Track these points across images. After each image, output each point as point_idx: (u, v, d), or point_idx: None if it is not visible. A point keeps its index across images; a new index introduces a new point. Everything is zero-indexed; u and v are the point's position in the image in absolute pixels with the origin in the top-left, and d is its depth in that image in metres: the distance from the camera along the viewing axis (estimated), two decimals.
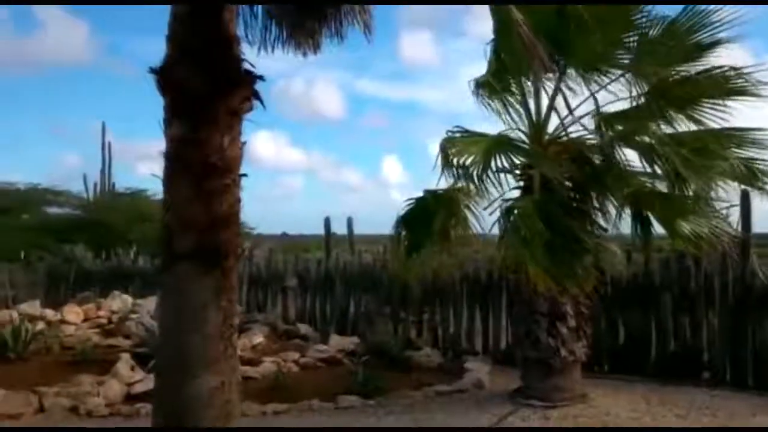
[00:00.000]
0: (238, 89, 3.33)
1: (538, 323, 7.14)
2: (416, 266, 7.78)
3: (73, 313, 10.35)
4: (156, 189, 25.09)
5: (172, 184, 3.32)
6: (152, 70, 3.31)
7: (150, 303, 10.83)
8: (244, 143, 3.44)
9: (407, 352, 9.34)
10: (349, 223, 14.08)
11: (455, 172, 6.65)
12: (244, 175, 3.43)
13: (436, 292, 10.23)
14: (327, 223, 13.53)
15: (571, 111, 7.48)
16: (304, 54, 3.51)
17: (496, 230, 7.06)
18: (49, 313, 10.15)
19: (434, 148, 6.75)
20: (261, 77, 3.38)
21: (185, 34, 3.28)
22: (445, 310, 10.16)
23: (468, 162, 6.65)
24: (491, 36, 7.59)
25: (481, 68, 7.88)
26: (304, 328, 10.96)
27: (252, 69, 3.40)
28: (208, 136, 3.25)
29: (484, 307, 9.88)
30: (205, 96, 3.22)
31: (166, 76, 3.30)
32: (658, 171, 6.78)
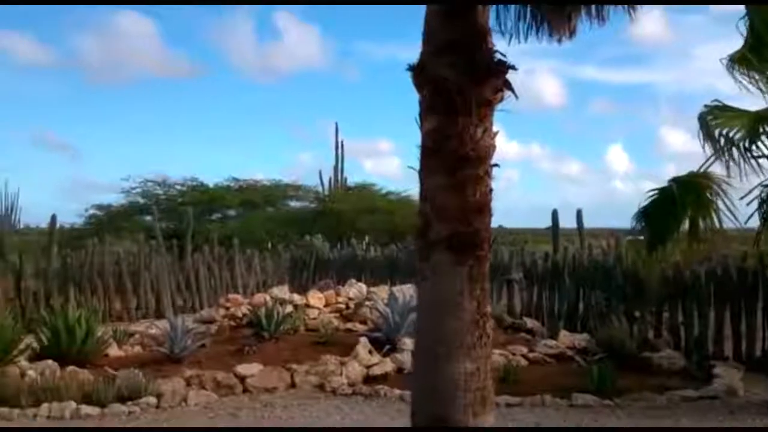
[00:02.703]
0: (491, 80, 3.36)
1: None
2: (658, 261, 7.29)
3: (316, 298, 11.19)
4: (382, 184, 26.49)
5: (427, 175, 3.45)
6: (409, 67, 3.47)
7: (382, 291, 11.39)
8: (496, 133, 3.46)
9: (645, 353, 8.83)
10: (579, 215, 13.61)
11: (718, 144, 6.11)
12: (497, 165, 3.46)
13: (677, 290, 9.52)
14: (554, 215, 13.22)
15: None
16: (559, 40, 3.44)
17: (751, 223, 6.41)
18: (296, 297, 11.06)
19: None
20: (513, 67, 3.39)
21: (440, 29, 3.39)
22: (689, 310, 9.41)
23: (733, 133, 6.09)
24: (733, 10, 6.86)
25: (721, 45, 7.15)
26: (530, 322, 10.82)
27: (504, 59, 3.41)
28: (462, 128, 3.32)
29: (736, 307, 8.99)
30: (459, 88, 3.29)
31: (421, 72, 3.43)
32: None
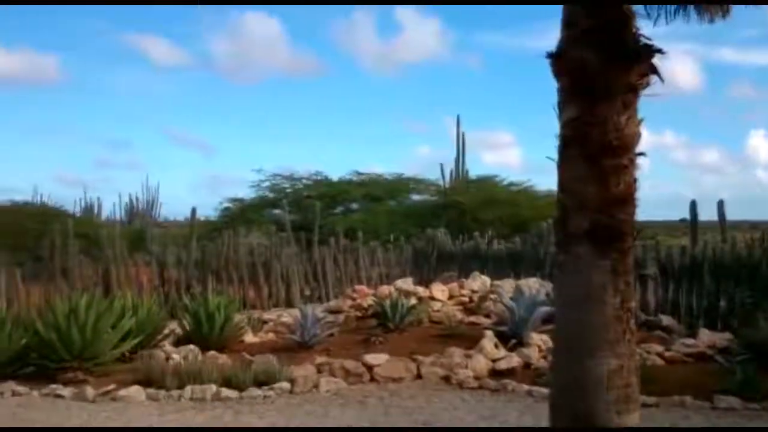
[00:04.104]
0: (636, 65, 3.21)
1: None
2: None
3: (439, 290, 11.22)
4: (503, 175, 26.12)
5: (567, 166, 3.35)
6: (548, 55, 3.37)
7: (507, 284, 11.24)
8: (641, 121, 3.31)
9: None
10: (720, 206, 12.77)
11: None
12: (642, 154, 3.31)
13: None
14: (693, 207, 12.48)
15: None
16: (711, 20, 3.24)
17: None
18: (420, 289, 11.15)
19: None
20: (660, 50, 3.22)
21: (582, 14, 3.27)
22: None
23: None
24: None
25: None
26: (666, 320, 10.31)
27: (650, 42, 3.25)
28: (604, 115, 3.20)
29: None
30: (602, 74, 3.17)
31: (562, 59, 3.33)
32: None
